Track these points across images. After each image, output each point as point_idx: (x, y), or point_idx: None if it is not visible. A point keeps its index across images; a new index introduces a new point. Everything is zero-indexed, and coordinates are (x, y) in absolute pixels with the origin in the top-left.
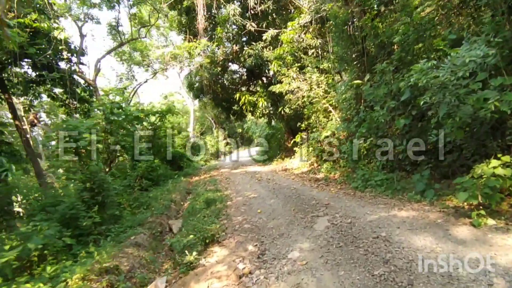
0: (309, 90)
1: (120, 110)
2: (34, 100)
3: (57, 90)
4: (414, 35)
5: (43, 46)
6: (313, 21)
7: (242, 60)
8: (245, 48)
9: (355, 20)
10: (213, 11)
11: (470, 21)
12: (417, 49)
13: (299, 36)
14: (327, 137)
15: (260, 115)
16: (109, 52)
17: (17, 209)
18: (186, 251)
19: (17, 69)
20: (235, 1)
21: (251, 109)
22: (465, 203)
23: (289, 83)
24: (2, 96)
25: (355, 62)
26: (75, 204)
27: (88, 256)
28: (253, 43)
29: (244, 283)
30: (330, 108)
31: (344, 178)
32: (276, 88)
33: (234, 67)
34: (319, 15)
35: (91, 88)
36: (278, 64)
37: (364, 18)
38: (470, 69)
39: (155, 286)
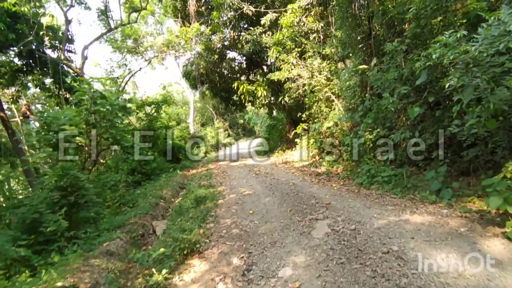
0: (310, 78)
1: (104, 100)
2: (21, 91)
3: (48, 81)
4: (433, 3)
5: (24, 31)
6: (314, 2)
7: (240, 47)
8: (243, 33)
9: None
10: None
11: None
12: (435, 23)
13: (299, 19)
14: (329, 128)
15: (260, 105)
16: (97, 39)
17: None
18: (153, 269)
19: (3, 57)
20: None
21: (250, 99)
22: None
23: (289, 70)
24: None
25: (360, 45)
26: (38, 206)
27: (49, 268)
28: (251, 28)
29: None
30: (333, 97)
31: (348, 172)
32: (275, 76)
33: (232, 55)
34: None
35: (78, 77)
36: (277, 50)
37: None
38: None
39: None
